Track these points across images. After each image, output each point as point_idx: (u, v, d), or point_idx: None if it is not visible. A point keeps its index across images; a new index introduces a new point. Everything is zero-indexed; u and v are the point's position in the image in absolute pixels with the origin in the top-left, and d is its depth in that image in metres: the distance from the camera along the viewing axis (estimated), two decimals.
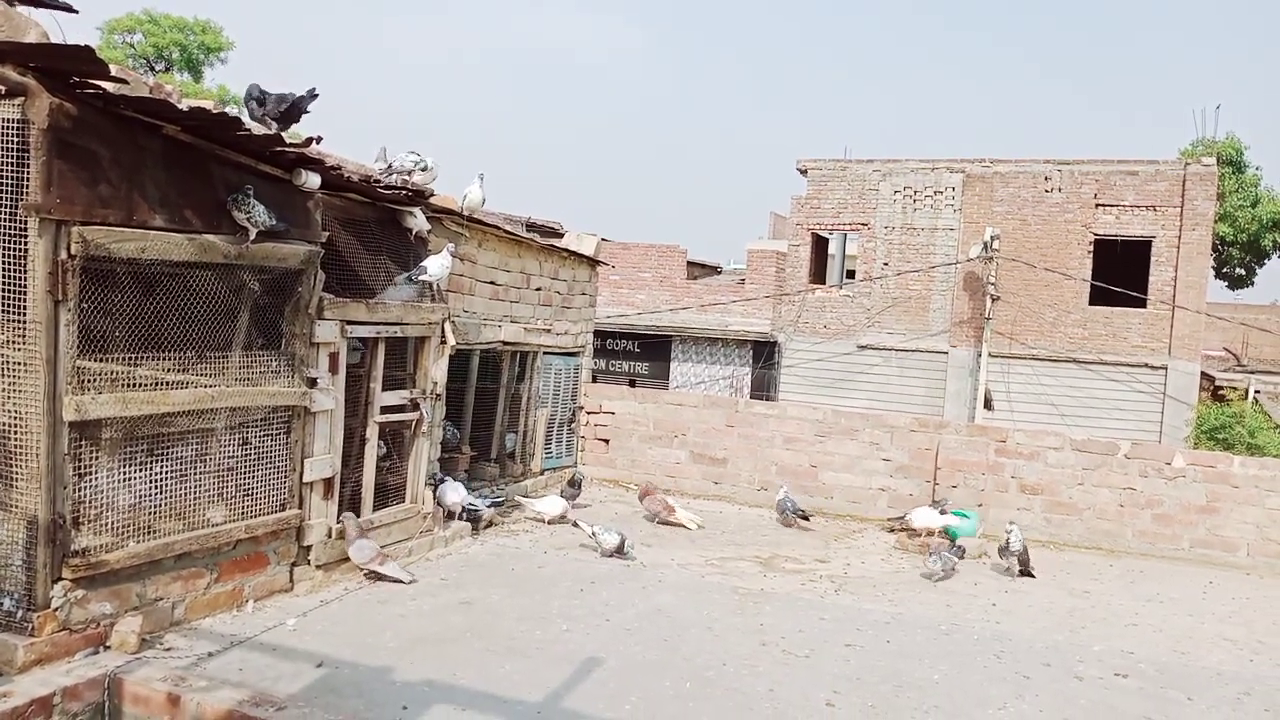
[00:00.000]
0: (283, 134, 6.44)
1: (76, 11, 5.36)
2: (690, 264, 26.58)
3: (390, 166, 7.86)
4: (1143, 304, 21.35)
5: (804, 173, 24.22)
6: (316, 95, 6.77)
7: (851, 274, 26.22)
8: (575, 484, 10.49)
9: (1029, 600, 8.19)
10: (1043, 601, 8.19)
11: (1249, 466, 10.37)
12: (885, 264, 23.41)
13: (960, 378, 22.58)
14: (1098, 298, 21.55)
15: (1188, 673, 6.52)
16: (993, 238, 21.55)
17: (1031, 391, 21.98)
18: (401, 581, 7.11)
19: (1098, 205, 21.50)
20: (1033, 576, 8.89)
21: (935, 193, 22.96)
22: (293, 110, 6.59)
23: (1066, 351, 21.76)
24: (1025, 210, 22.10)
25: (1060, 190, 21.79)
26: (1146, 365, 21.30)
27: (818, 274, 25.36)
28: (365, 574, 7.10)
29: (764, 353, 24.59)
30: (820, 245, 25.67)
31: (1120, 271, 21.50)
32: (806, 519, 10.86)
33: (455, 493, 8.61)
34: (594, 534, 8.54)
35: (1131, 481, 10.58)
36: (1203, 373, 22.27)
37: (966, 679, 6.06)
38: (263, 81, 6.73)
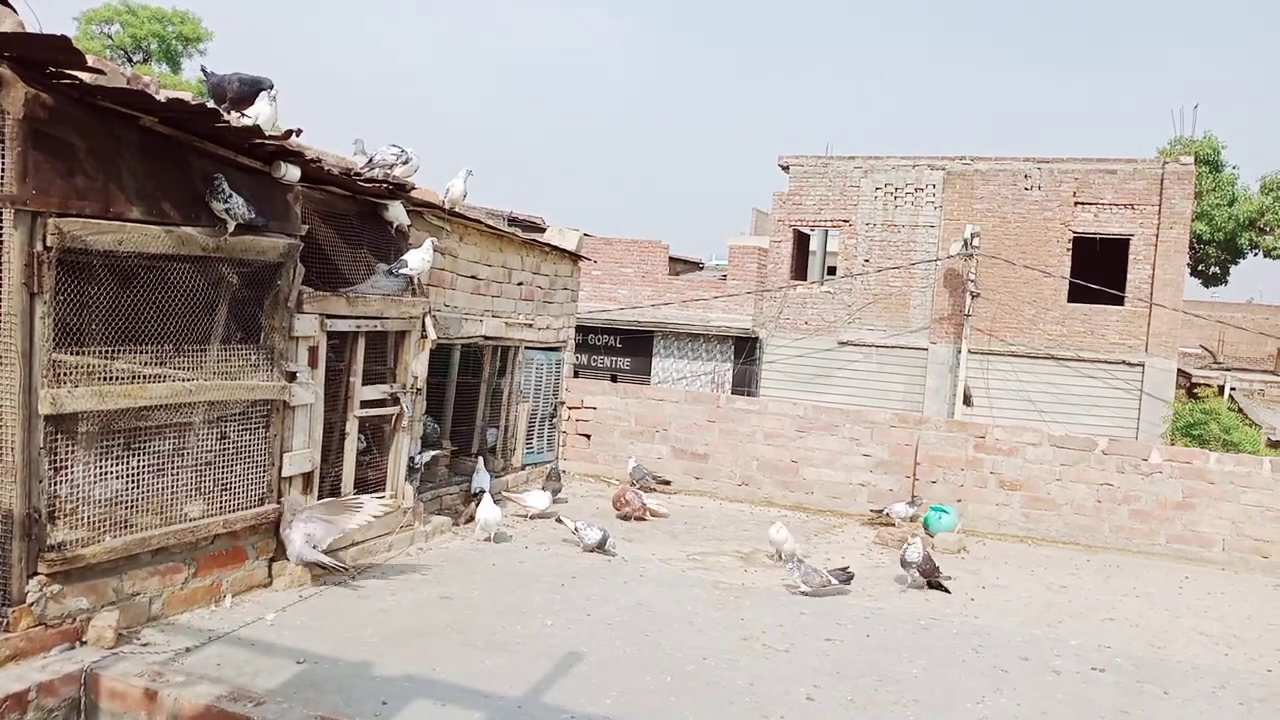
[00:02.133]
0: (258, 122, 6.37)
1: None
2: (672, 259, 26.59)
3: (371, 160, 7.80)
4: (1120, 301, 21.53)
5: (786, 169, 24.27)
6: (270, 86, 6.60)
7: (833, 270, 26.29)
8: (556, 478, 10.48)
9: (1007, 595, 8.25)
10: (1021, 596, 8.24)
11: (1225, 463, 10.47)
12: (866, 260, 23.50)
13: (940, 374, 22.71)
14: (1076, 295, 21.71)
15: (1164, 667, 6.58)
16: (973, 235, 21.68)
17: (1010, 388, 22.13)
18: (345, 568, 6.86)
19: (1077, 203, 21.66)
20: (945, 590, 8.11)
21: (916, 190, 23.06)
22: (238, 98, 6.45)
23: (1045, 348, 21.92)
24: (1005, 208, 22.23)
25: (1040, 188, 21.93)
26: (1124, 362, 21.48)
27: (799, 270, 25.43)
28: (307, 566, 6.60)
29: (745, 348, 24.64)
30: (802, 241, 25.74)
31: (1098, 269, 21.66)
32: (667, 484, 11.55)
33: (491, 512, 8.68)
34: (576, 529, 8.54)
35: (1109, 477, 10.67)
36: (1179, 370, 22.48)
37: (945, 673, 6.09)
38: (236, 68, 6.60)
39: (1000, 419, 19.84)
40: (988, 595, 8.20)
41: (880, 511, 10.60)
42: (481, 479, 9.61)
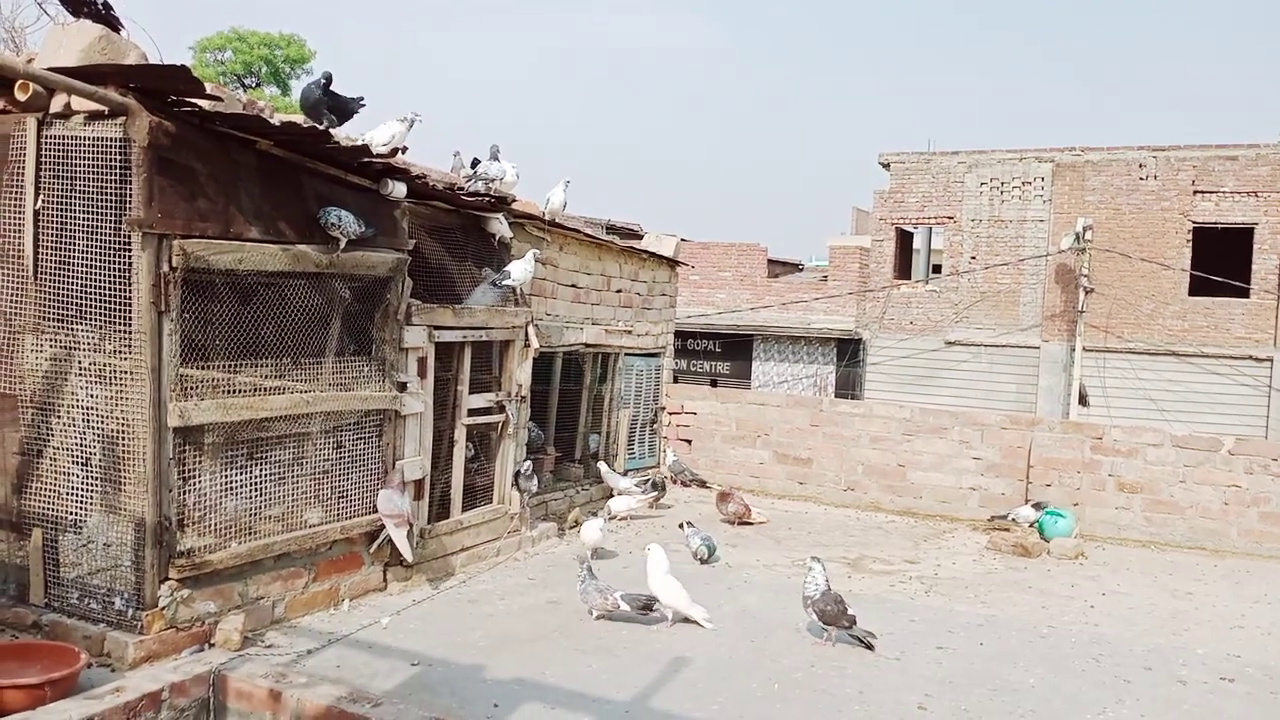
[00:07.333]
0: (361, 141, 6.60)
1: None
2: (771, 262, 26.39)
3: (475, 174, 8.00)
4: (1246, 294, 20.49)
5: (886, 166, 23.83)
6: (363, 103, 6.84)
7: (938, 268, 25.71)
8: (660, 486, 10.52)
9: (1129, 602, 7.94)
10: (1143, 603, 7.92)
11: None
12: (973, 258, 22.91)
13: (1053, 373, 21.97)
14: (1197, 288, 20.75)
15: None
16: (1085, 228, 20.92)
17: (1129, 386, 21.27)
18: (406, 561, 6.76)
19: (1195, 192, 20.71)
20: (870, 647, 6.20)
21: (1024, 183, 22.38)
22: (345, 110, 6.69)
23: (1165, 344, 21.01)
24: (1119, 199, 21.40)
25: (1155, 178, 21.05)
26: (1251, 357, 20.44)
27: (902, 269, 24.93)
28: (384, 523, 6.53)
29: (848, 350, 24.29)
30: (904, 240, 25.24)
31: (1221, 260, 20.66)
32: (705, 484, 11.59)
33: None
34: (685, 531, 8.53)
35: (1236, 479, 10.17)
36: None
37: (1063, 683, 5.90)
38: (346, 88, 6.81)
39: (1118, 419, 19.09)
40: (1108, 602, 7.90)
41: (1003, 517, 10.27)
42: (615, 479, 10.30)
